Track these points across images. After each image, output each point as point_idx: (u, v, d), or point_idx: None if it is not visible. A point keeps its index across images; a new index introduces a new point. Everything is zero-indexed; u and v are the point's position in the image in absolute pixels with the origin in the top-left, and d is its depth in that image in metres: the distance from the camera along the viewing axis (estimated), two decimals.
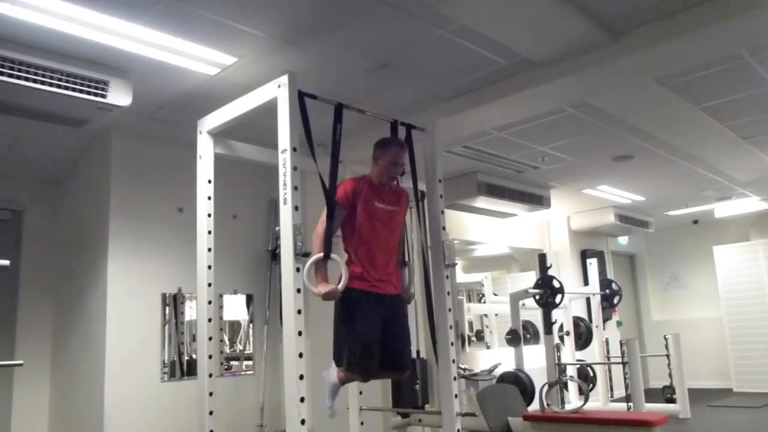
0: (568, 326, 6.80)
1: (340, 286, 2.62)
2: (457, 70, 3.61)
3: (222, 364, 4.60)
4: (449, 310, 2.93)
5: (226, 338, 4.72)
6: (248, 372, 4.75)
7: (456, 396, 2.87)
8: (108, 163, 4.19)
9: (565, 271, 7.81)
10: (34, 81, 2.98)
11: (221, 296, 4.62)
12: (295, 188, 2.39)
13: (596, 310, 7.01)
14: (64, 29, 2.84)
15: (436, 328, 2.94)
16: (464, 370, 4.99)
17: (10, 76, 2.91)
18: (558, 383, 5.11)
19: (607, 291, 7.06)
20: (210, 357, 2.91)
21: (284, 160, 2.42)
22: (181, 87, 3.61)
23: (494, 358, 5.73)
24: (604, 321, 7.16)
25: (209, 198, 3.05)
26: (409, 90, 3.86)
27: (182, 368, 4.34)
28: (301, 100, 2.53)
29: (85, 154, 4.59)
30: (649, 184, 6.65)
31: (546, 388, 3.77)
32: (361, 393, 3.68)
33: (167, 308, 4.34)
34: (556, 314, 5.90)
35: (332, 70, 3.48)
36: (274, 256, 4.83)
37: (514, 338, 5.73)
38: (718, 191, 7.17)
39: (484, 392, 4.05)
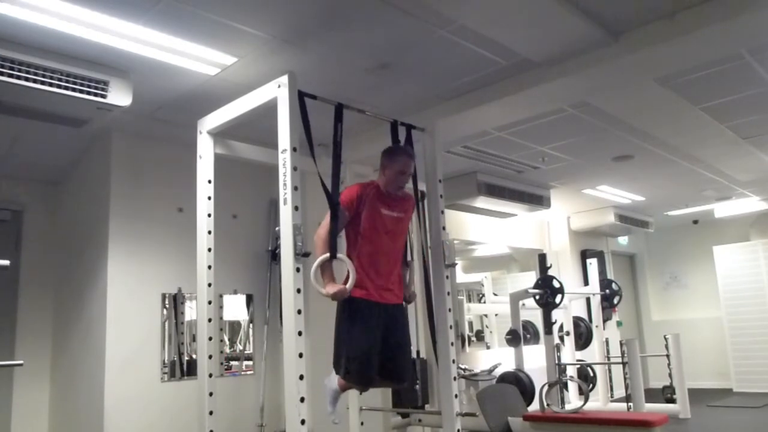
0: (568, 326, 6.80)
1: (348, 285, 2.60)
2: (457, 70, 3.61)
3: (222, 364, 4.60)
4: (449, 310, 2.93)
5: (226, 338, 4.72)
6: (248, 372, 4.75)
7: (456, 396, 2.87)
8: (108, 163, 4.19)
9: (565, 271, 7.81)
10: (34, 81, 2.98)
11: (221, 296, 4.62)
12: (295, 188, 2.39)
13: (596, 310, 7.01)
14: (64, 29, 2.84)
15: (436, 328, 2.94)
16: (464, 370, 4.99)
17: (10, 76, 2.91)
18: (558, 383, 5.11)
19: (607, 291, 7.06)
20: (210, 357, 2.91)
21: (284, 160, 2.42)
22: (181, 87, 3.61)
23: (494, 358, 5.73)
24: (604, 321, 7.16)
25: (209, 198, 3.05)
26: (409, 90, 3.86)
27: (182, 368, 4.34)
28: (301, 100, 2.53)
29: (85, 154, 4.59)
30: (649, 184, 6.65)
31: (546, 388, 3.77)
32: (361, 393, 3.68)
33: (167, 308, 4.34)
34: (556, 314, 5.90)
35: (332, 70, 3.48)
36: (274, 256, 4.84)
37: (514, 338, 5.73)
38: (718, 191, 7.17)
39: (484, 392, 4.04)
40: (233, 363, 4.71)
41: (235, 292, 4.76)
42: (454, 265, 3.02)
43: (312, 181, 2.67)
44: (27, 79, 2.96)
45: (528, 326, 6.88)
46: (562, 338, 6.70)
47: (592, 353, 6.95)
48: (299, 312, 2.32)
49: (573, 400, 6.46)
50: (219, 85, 3.56)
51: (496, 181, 5.83)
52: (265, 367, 4.74)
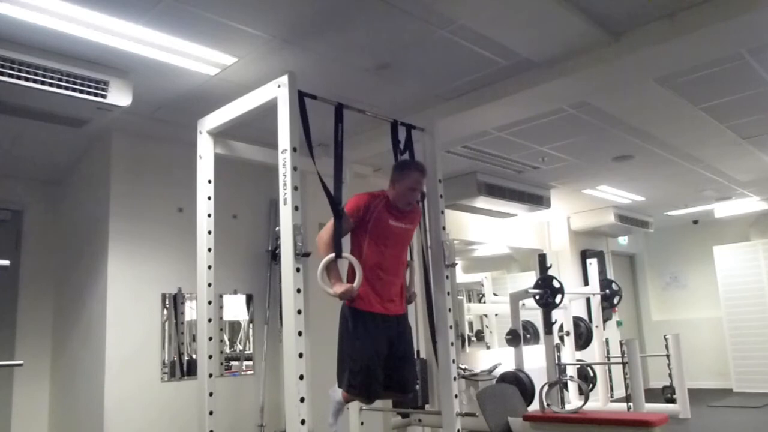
0: (568, 326, 6.79)
1: (355, 284, 2.59)
2: (457, 70, 3.61)
3: (222, 364, 4.60)
4: (449, 310, 2.93)
5: (226, 338, 4.72)
6: (248, 372, 4.74)
7: (456, 396, 2.87)
8: (108, 163, 4.19)
9: (565, 271, 7.81)
10: (34, 81, 2.98)
11: (221, 296, 4.62)
12: (295, 188, 2.39)
13: (596, 310, 7.01)
14: (64, 29, 2.84)
15: (436, 328, 2.94)
16: (464, 370, 4.99)
17: (10, 76, 2.91)
18: (558, 383, 5.11)
19: (607, 291, 7.06)
20: (210, 357, 2.92)
21: (284, 160, 2.42)
22: (181, 87, 3.61)
23: (494, 358, 5.73)
24: (604, 321, 7.17)
25: (209, 198, 3.05)
26: (409, 90, 3.86)
27: (182, 368, 4.34)
28: (301, 100, 2.53)
29: (85, 154, 4.59)
30: (649, 184, 6.65)
31: (546, 388, 3.76)
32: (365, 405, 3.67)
33: (167, 308, 4.34)
34: (556, 314, 5.90)
35: (332, 70, 3.48)
36: (274, 256, 4.84)
37: (514, 338, 5.72)
38: (717, 191, 7.17)
39: (484, 392, 4.04)
40: (233, 363, 4.71)
41: (235, 292, 4.76)
42: (454, 265, 3.03)
43: (312, 181, 2.67)
44: (27, 79, 2.96)
45: (528, 326, 6.88)
46: (562, 338, 6.70)
47: (592, 353, 6.95)
48: (299, 312, 2.32)
49: (573, 400, 6.46)
50: (219, 85, 3.56)
51: (496, 181, 5.83)
52: (265, 367, 4.74)
